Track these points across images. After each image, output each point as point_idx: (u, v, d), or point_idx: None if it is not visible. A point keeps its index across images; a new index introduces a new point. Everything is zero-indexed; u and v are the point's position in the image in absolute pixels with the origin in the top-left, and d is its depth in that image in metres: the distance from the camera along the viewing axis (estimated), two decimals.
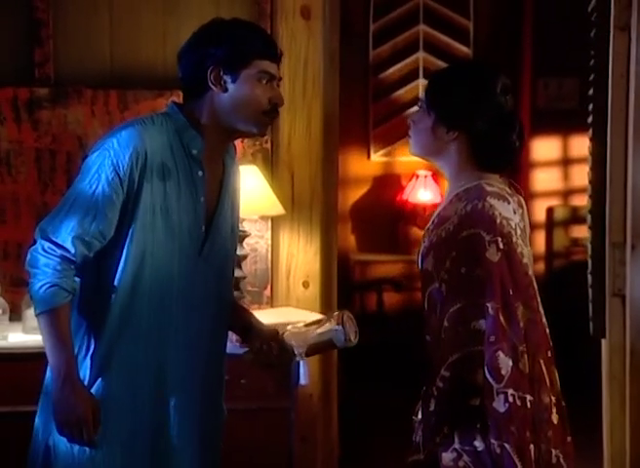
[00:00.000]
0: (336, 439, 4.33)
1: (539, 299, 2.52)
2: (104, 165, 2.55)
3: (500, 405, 2.35)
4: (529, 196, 6.96)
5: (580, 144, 6.98)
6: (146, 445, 2.65)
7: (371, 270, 7.03)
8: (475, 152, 2.56)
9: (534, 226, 6.96)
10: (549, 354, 2.51)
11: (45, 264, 2.55)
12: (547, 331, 2.53)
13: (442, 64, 7.05)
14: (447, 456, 2.40)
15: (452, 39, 7.07)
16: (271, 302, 4.15)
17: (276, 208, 3.97)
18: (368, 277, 6.99)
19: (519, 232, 2.48)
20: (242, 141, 3.99)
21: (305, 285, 4.17)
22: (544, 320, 2.52)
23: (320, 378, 4.11)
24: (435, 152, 2.60)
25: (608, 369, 3.57)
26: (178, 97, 3.98)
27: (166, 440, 2.66)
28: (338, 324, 2.65)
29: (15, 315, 3.83)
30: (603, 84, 3.82)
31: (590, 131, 4.02)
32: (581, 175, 7.00)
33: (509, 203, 2.48)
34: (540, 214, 6.93)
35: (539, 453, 2.41)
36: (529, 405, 2.38)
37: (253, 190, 3.89)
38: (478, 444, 2.38)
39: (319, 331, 2.68)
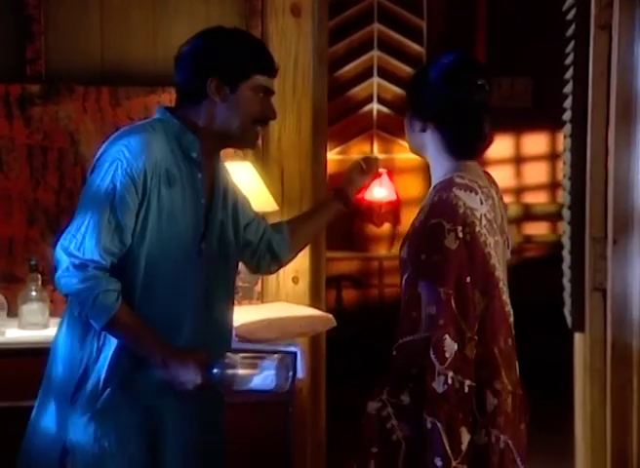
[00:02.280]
0: (323, 431, 4.37)
1: (502, 288, 2.59)
2: (119, 174, 2.56)
3: (439, 385, 2.42)
4: None
5: (533, 142, 7.15)
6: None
7: (328, 267, 7.06)
8: (447, 142, 2.61)
9: None
10: (509, 342, 2.59)
11: (81, 280, 2.56)
12: (511, 319, 2.62)
13: (396, 63, 7.15)
14: (372, 405, 2.49)
15: (406, 38, 7.15)
16: (262, 298, 4.18)
17: (269, 204, 4.00)
18: (326, 274, 7.02)
19: (484, 222, 2.54)
20: None
21: (295, 280, 4.21)
22: (508, 309, 2.61)
23: (309, 373, 4.14)
24: (420, 147, 2.68)
25: (588, 361, 3.63)
26: (169, 93, 4.02)
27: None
28: (274, 369, 2.65)
29: (11, 311, 3.82)
30: (582, 82, 3.88)
31: (568, 127, 4.09)
32: (533, 173, 7.17)
33: (477, 194, 2.54)
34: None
35: (475, 437, 2.48)
36: (467, 389, 2.45)
37: (246, 187, 3.90)
38: (404, 398, 2.46)
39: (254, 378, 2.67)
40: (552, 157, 7.15)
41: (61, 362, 2.71)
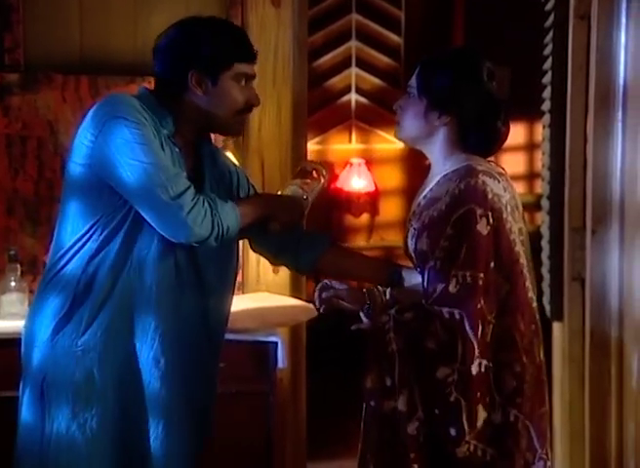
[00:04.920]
0: (304, 421, 4.38)
1: (526, 274, 2.64)
2: (130, 121, 2.51)
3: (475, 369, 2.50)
4: None
5: (511, 133, 7.14)
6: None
7: None
8: (464, 136, 2.66)
9: None
10: (532, 327, 2.63)
11: (198, 206, 2.54)
12: (534, 305, 2.66)
13: (374, 53, 7.14)
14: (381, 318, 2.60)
15: (384, 28, 7.15)
16: (242, 288, 4.18)
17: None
18: None
19: (509, 209, 2.59)
20: None
21: (275, 270, 4.21)
22: (530, 294, 2.64)
23: (290, 363, 4.15)
24: (424, 137, 2.71)
25: (566, 351, 3.65)
26: (149, 83, 3.94)
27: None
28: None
29: None
30: (561, 72, 3.89)
31: (547, 118, 4.10)
32: (511, 163, 7.17)
33: (499, 181, 2.59)
34: None
35: (493, 416, 2.54)
36: (483, 369, 2.51)
37: None
38: (407, 315, 2.57)
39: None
40: (530, 148, 7.16)
41: (38, 348, 2.68)
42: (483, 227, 2.52)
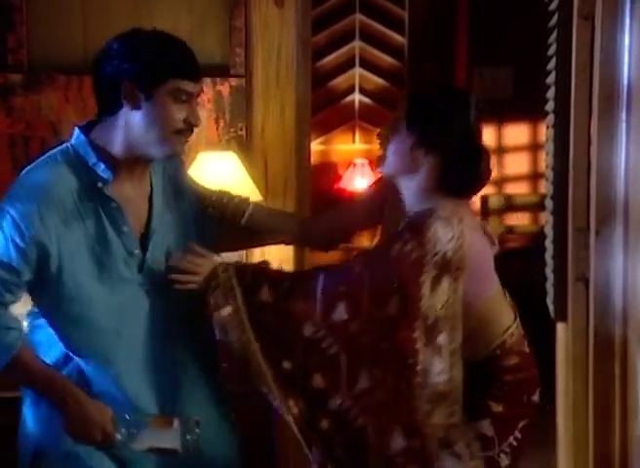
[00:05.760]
0: None
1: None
2: (8, 229, 2.46)
3: None
4: None
5: (514, 133, 7.16)
6: None
7: (311, 257, 7.06)
8: (446, 177, 2.67)
9: None
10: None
11: None
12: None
13: (378, 54, 7.14)
14: None
15: (387, 28, 7.15)
16: None
17: (253, 194, 3.99)
18: (309, 265, 7.02)
19: (439, 259, 2.58)
20: (217, 129, 4.02)
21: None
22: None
23: None
24: (408, 172, 2.70)
25: (570, 351, 3.64)
26: None
27: None
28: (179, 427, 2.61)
29: None
30: (565, 72, 3.89)
31: (551, 118, 4.10)
32: (515, 164, 7.19)
33: (452, 228, 2.59)
34: (474, 203, 7.04)
35: None
36: None
37: (230, 177, 3.92)
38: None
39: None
40: (534, 148, 7.16)
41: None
42: (403, 253, 2.55)
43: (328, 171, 7.16)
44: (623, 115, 3.29)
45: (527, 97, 6.30)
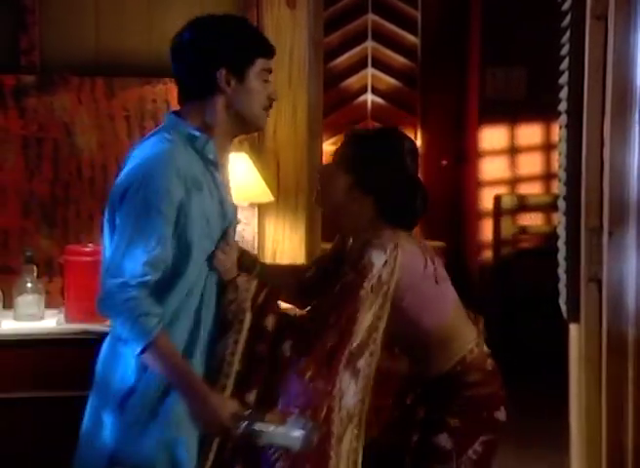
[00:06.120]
0: None
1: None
2: (151, 191, 2.51)
3: None
4: (477, 184, 7.07)
5: (527, 133, 7.13)
6: None
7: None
8: (382, 213, 2.81)
9: (482, 214, 7.09)
10: None
11: (123, 301, 2.50)
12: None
13: (390, 54, 7.14)
14: None
15: (400, 28, 7.15)
16: None
17: (266, 195, 4.00)
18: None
19: (375, 280, 2.69)
20: None
21: None
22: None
23: None
24: (342, 209, 2.82)
25: (583, 352, 3.63)
26: (164, 84, 4.03)
27: None
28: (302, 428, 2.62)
29: (6, 303, 3.81)
30: (578, 72, 3.88)
31: (564, 118, 4.08)
32: (528, 164, 7.16)
33: (385, 254, 2.70)
34: (487, 203, 7.03)
35: None
36: None
37: (243, 178, 3.92)
38: None
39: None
40: (547, 148, 7.14)
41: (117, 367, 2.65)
42: (343, 285, 2.67)
43: None
44: (637, 116, 3.29)
45: (540, 98, 6.29)
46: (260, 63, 2.65)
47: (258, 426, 2.57)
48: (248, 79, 2.63)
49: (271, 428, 2.58)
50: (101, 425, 2.64)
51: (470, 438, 2.85)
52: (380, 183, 2.78)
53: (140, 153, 2.61)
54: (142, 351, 2.50)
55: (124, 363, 2.61)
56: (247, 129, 2.73)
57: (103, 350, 2.69)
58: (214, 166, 2.65)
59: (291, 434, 2.59)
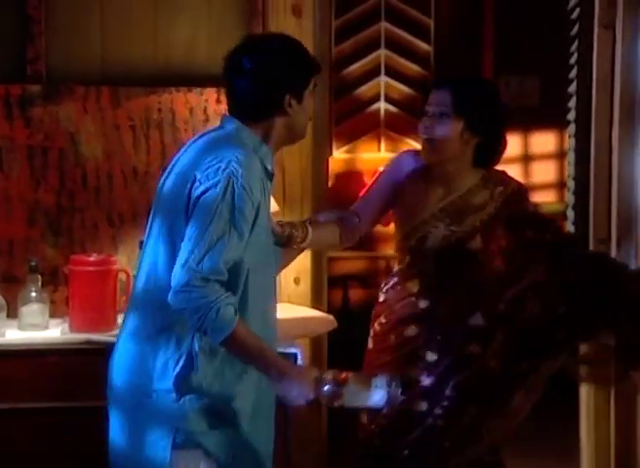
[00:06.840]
0: (325, 434, 4.36)
1: None
2: (237, 187, 2.56)
3: None
4: None
5: (541, 141, 7.11)
6: None
7: (334, 266, 7.05)
8: (484, 153, 3.04)
9: None
10: None
11: (203, 295, 2.54)
12: None
13: (403, 62, 7.11)
14: None
15: (413, 37, 7.11)
16: None
17: (272, 204, 3.99)
18: (332, 273, 7.01)
19: None
20: None
21: (296, 281, 4.21)
22: None
23: None
24: (454, 154, 3.00)
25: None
26: (170, 94, 4.03)
27: None
28: (386, 386, 2.70)
29: (10, 312, 3.82)
30: (586, 81, 3.87)
31: (572, 127, 4.07)
32: (542, 172, 7.13)
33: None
34: None
35: None
36: None
37: None
38: None
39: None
40: (561, 156, 7.11)
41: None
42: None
43: (353, 179, 7.12)
44: None
45: (553, 106, 6.26)
46: (312, 82, 2.77)
47: (342, 389, 2.63)
48: (304, 99, 2.74)
49: (355, 389, 2.65)
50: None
51: None
52: (488, 120, 2.99)
53: (217, 153, 2.62)
54: (224, 341, 2.56)
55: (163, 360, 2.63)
56: (294, 141, 2.85)
57: (124, 358, 2.69)
58: (269, 177, 2.72)
59: (375, 394, 2.66)
